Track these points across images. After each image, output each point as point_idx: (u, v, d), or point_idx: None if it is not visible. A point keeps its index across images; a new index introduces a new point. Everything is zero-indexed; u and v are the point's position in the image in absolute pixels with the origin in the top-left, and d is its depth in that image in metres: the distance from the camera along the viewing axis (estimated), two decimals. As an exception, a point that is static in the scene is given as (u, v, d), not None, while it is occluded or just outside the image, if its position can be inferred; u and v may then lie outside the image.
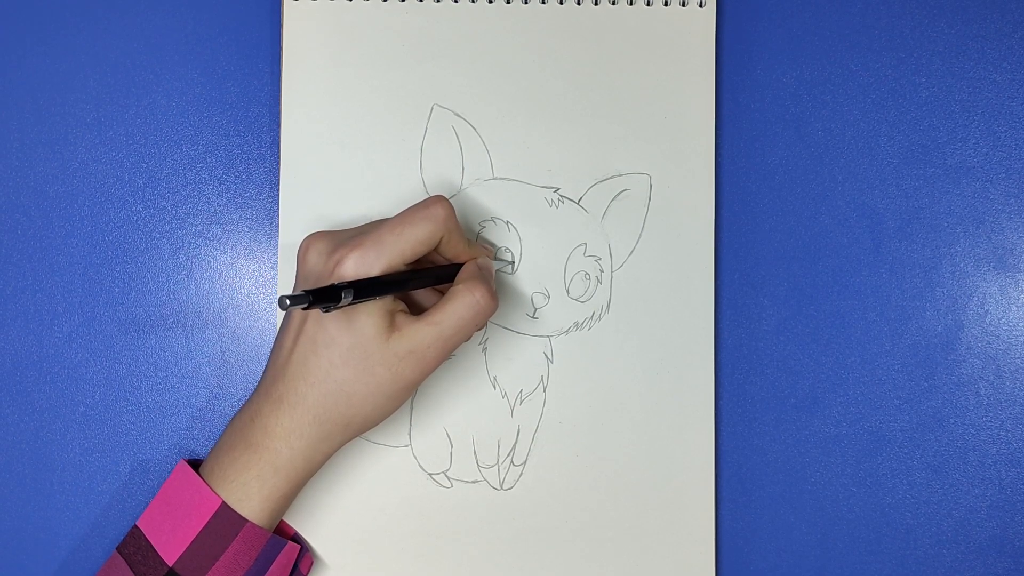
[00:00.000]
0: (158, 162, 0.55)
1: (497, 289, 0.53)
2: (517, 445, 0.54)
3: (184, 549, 0.46)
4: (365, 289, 0.44)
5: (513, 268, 0.53)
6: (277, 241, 0.54)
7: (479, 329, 0.48)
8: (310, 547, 0.53)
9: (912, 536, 0.55)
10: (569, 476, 0.54)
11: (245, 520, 0.46)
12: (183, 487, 0.48)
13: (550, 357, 0.54)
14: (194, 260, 0.54)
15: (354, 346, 0.45)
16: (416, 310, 0.49)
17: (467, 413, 0.54)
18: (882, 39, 0.55)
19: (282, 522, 0.52)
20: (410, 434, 0.54)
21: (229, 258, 0.55)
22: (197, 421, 0.54)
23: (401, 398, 0.47)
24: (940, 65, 0.55)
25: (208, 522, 0.46)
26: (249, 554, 0.47)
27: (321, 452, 0.47)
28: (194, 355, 0.54)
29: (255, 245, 0.55)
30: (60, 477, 0.54)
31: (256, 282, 0.55)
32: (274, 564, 0.48)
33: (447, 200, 0.47)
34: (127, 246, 0.54)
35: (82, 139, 0.54)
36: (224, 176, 0.55)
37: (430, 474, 0.54)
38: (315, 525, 0.53)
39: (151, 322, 0.54)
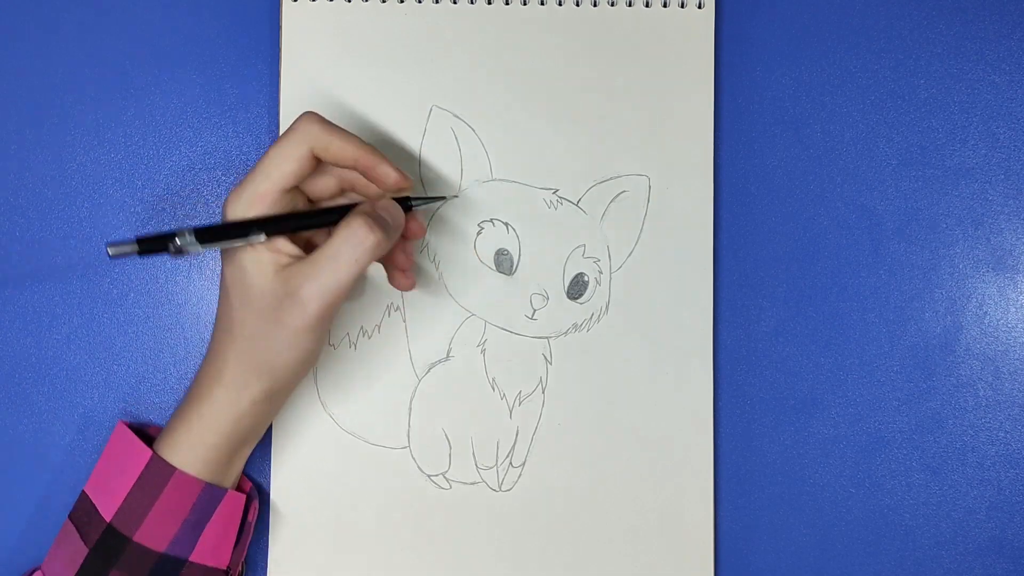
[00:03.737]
0: (157, 163, 0.55)
1: (496, 290, 0.53)
2: (516, 446, 0.54)
3: (120, 503, 0.47)
4: (214, 234, 0.42)
5: (513, 266, 0.54)
6: (276, 242, 0.54)
7: (363, 268, 0.45)
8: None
9: (911, 537, 0.55)
10: (568, 477, 0.54)
11: (174, 468, 0.46)
12: (118, 444, 0.48)
13: (549, 358, 0.54)
14: (193, 261, 0.54)
15: (244, 288, 0.44)
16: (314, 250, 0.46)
17: (466, 414, 0.54)
18: (881, 41, 0.55)
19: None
20: (408, 435, 0.54)
21: (228, 259, 0.55)
22: (196, 422, 0.54)
23: (299, 347, 0.45)
24: (939, 66, 0.55)
25: (141, 474, 0.47)
26: (183, 503, 0.47)
27: (245, 399, 0.46)
28: (193, 356, 0.54)
29: (254, 246, 0.55)
30: (59, 478, 0.54)
31: (255, 283, 0.55)
32: (216, 514, 0.48)
33: (314, 112, 0.45)
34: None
35: (81, 140, 0.54)
36: (223, 177, 0.55)
37: (429, 475, 0.54)
38: (313, 526, 0.53)
39: (150, 323, 0.54)
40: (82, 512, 0.48)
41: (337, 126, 0.46)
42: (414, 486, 0.54)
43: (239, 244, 0.44)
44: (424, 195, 0.52)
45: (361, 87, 0.54)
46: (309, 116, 0.45)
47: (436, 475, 0.54)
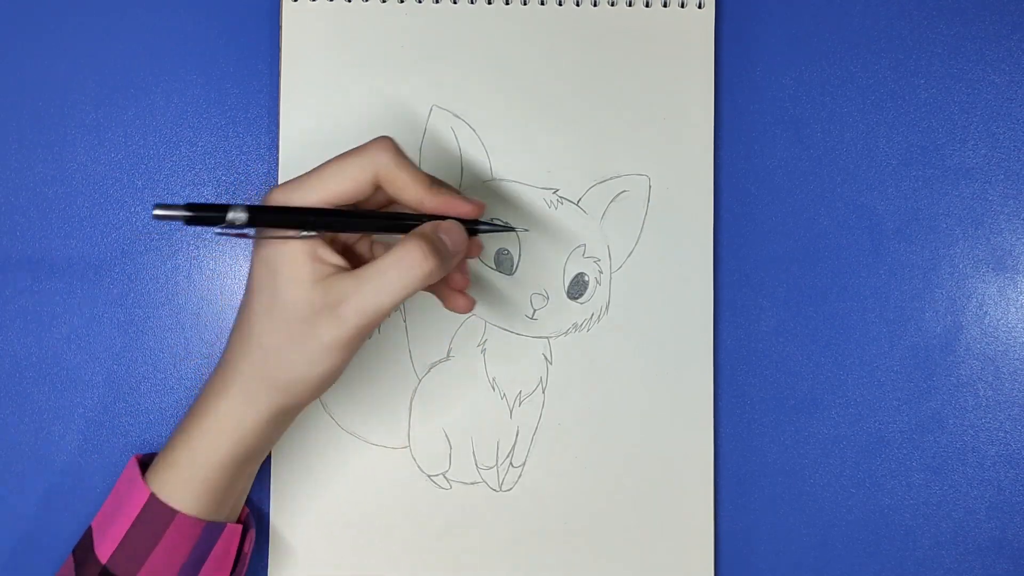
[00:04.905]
0: (157, 163, 0.55)
1: (496, 290, 0.53)
2: (516, 446, 0.54)
3: (116, 545, 0.44)
4: (268, 217, 0.39)
5: (513, 266, 0.54)
6: (276, 242, 0.54)
7: (410, 294, 0.42)
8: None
9: (911, 537, 0.55)
10: (568, 477, 0.54)
11: (176, 512, 0.44)
12: (124, 481, 0.46)
13: (549, 358, 0.54)
14: (193, 261, 0.54)
15: (273, 294, 0.41)
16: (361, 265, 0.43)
17: (466, 414, 0.54)
18: (881, 41, 0.56)
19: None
20: (409, 435, 0.54)
21: (228, 259, 0.55)
22: (196, 422, 0.54)
23: (325, 363, 0.42)
24: (939, 66, 0.55)
25: (138, 515, 0.44)
26: (184, 545, 0.44)
27: (250, 416, 0.43)
28: (193, 356, 0.54)
29: (254, 246, 0.55)
30: (59, 479, 0.54)
31: (255, 283, 0.55)
32: (212, 551, 0.45)
33: (390, 139, 0.42)
34: (126, 247, 0.54)
35: (81, 140, 0.54)
36: (223, 177, 0.55)
37: (429, 475, 0.54)
38: (313, 526, 0.53)
39: (150, 323, 0.54)
40: (82, 550, 0.46)
41: (409, 160, 0.43)
42: (414, 486, 0.54)
43: (290, 234, 0.41)
44: (492, 222, 0.49)
45: (361, 87, 0.54)
46: (383, 142, 0.42)
47: (436, 475, 0.54)
